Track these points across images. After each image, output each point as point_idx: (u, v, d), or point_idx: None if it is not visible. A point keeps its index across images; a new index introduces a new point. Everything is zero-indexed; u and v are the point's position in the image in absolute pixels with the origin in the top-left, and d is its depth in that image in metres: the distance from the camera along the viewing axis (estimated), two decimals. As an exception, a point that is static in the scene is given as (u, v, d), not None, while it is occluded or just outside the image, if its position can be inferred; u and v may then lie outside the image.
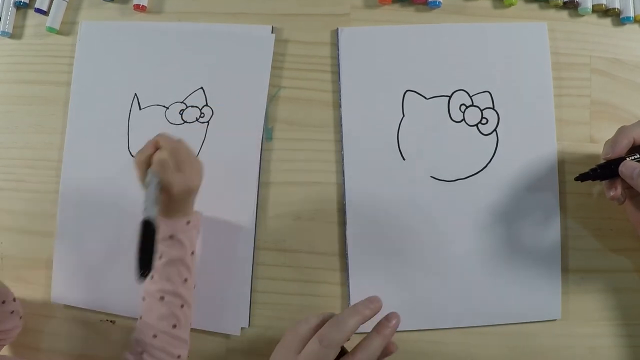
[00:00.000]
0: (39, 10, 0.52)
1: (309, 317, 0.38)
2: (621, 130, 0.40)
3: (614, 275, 0.46)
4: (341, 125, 0.48)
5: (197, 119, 0.49)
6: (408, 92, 0.48)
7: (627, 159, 0.39)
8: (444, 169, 0.46)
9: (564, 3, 0.48)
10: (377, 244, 0.46)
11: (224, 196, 0.48)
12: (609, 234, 0.47)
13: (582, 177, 0.41)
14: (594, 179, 0.41)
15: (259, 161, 0.48)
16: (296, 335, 0.37)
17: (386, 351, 0.39)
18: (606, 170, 0.40)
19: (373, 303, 0.39)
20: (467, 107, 0.47)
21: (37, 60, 0.53)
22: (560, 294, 0.46)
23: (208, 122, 0.49)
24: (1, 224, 0.52)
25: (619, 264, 0.46)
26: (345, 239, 0.47)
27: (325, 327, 0.36)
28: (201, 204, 0.48)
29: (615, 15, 0.49)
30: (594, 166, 0.41)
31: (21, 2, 0.53)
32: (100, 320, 0.50)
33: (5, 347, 0.48)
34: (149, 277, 0.40)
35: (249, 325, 0.47)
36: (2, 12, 0.53)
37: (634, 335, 0.46)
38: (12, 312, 0.46)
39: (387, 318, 0.39)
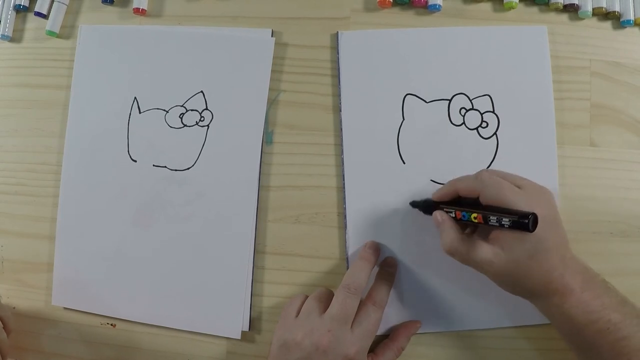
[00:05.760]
0: (38, 14, 0.52)
1: (293, 298, 0.43)
2: (450, 181, 0.42)
3: (612, 279, 0.46)
4: (341, 129, 0.48)
5: (197, 123, 0.49)
6: (408, 96, 0.48)
7: (444, 209, 0.41)
8: (444, 172, 0.46)
9: (564, 6, 0.48)
10: (377, 248, 0.46)
11: (223, 199, 0.48)
12: (608, 238, 0.47)
13: (412, 203, 0.45)
14: (419, 209, 0.44)
15: (259, 165, 0.48)
16: (295, 302, 0.42)
17: (413, 327, 0.45)
18: (426, 208, 0.43)
19: (370, 246, 0.45)
20: (467, 111, 0.47)
21: (37, 64, 0.53)
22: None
23: (208, 125, 0.49)
24: (1, 227, 0.52)
25: (618, 267, 0.46)
26: (346, 242, 0.47)
27: (345, 278, 0.42)
28: (201, 207, 0.48)
29: (615, 19, 0.49)
30: (426, 198, 0.44)
31: (21, 5, 0.53)
32: (101, 324, 0.50)
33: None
34: None
35: (249, 329, 0.48)
36: (1, 15, 0.53)
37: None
38: None
39: (386, 263, 0.46)
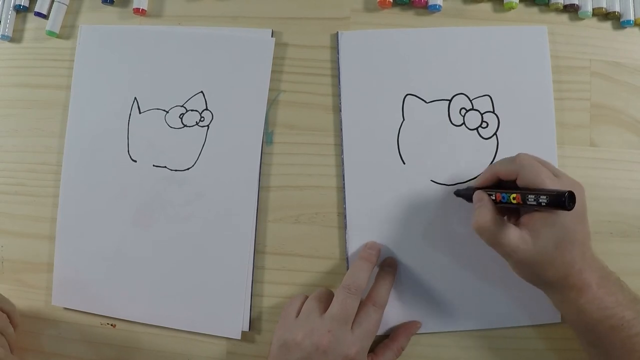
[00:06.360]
0: (38, 14, 0.52)
1: (294, 298, 0.43)
2: (489, 166, 0.44)
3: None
4: (341, 129, 0.48)
5: (197, 123, 0.49)
6: (408, 96, 0.48)
7: (483, 191, 0.41)
8: (444, 173, 0.46)
9: (564, 6, 0.48)
10: (377, 248, 0.46)
11: (223, 199, 0.48)
12: (609, 237, 0.47)
13: (456, 192, 0.45)
14: (463, 198, 0.44)
15: (259, 165, 0.48)
16: (295, 302, 0.42)
17: (413, 328, 0.45)
18: (470, 196, 0.42)
19: (370, 246, 0.45)
20: (467, 111, 0.47)
21: (37, 64, 0.53)
22: (560, 298, 0.46)
23: (208, 126, 0.49)
24: (1, 227, 0.52)
25: (618, 267, 0.46)
26: (346, 242, 0.47)
27: (346, 279, 0.42)
28: (201, 207, 0.48)
29: (615, 19, 0.49)
30: (468, 186, 0.44)
31: (21, 5, 0.53)
32: (101, 324, 0.50)
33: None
34: None
35: (249, 329, 0.48)
36: (1, 15, 0.53)
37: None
38: None
39: (386, 263, 0.46)
